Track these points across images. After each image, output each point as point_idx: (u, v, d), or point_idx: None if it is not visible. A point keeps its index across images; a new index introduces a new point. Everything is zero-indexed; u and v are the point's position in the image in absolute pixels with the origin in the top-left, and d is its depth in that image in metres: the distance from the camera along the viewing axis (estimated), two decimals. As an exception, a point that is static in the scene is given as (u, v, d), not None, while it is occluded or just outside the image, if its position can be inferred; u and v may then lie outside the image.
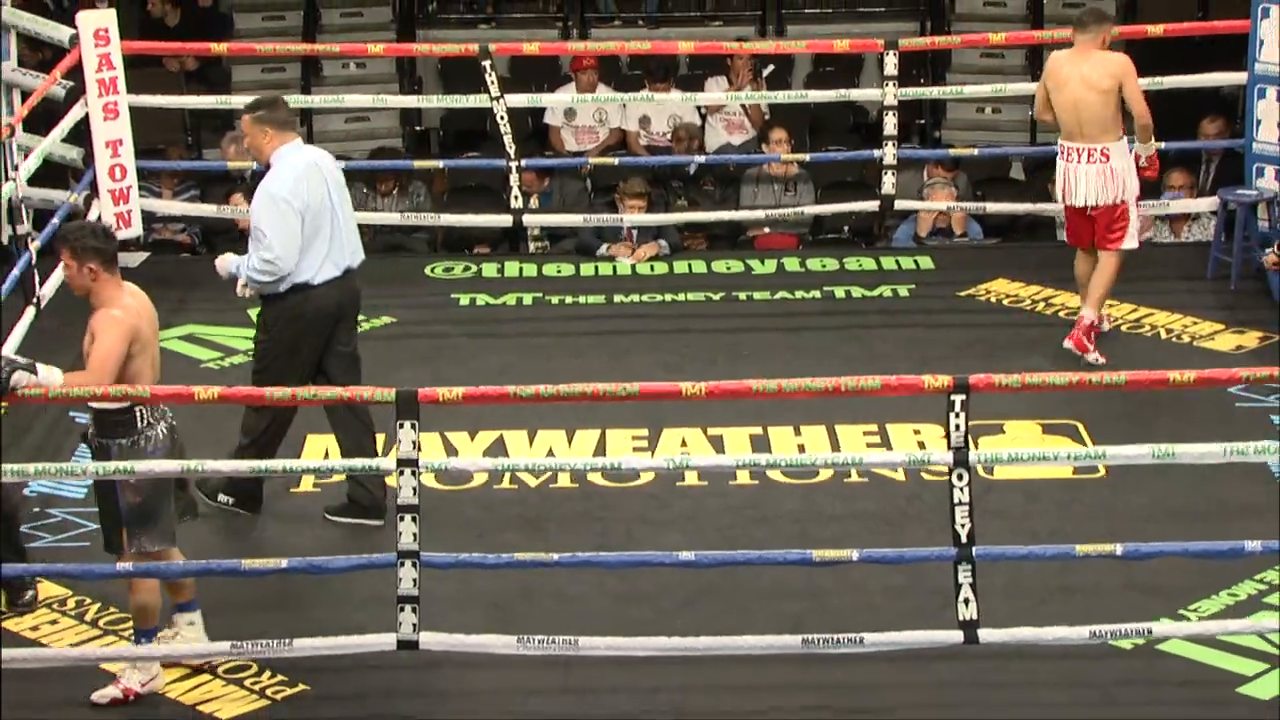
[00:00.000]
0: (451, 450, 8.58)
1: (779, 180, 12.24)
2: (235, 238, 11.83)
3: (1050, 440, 8.56)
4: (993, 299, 10.41)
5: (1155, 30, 10.65)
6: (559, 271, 11.04)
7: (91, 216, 10.28)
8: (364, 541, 7.39)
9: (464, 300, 10.63)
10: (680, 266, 11.07)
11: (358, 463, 7.46)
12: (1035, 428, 8.68)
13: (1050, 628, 6.93)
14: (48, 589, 7.60)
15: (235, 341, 9.89)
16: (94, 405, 6.85)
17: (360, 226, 11.55)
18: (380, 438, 8.06)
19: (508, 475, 8.38)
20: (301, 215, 7.97)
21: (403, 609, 6.78)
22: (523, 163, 10.90)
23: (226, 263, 8.23)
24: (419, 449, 6.75)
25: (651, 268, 11.05)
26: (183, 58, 13.41)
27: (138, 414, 6.83)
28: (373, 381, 7.18)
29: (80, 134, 10.40)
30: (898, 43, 10.86)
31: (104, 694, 6.88)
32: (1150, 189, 10.59)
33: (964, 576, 6.78)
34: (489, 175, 12.20)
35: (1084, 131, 9.33)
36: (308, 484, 8.38)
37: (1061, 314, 10.09)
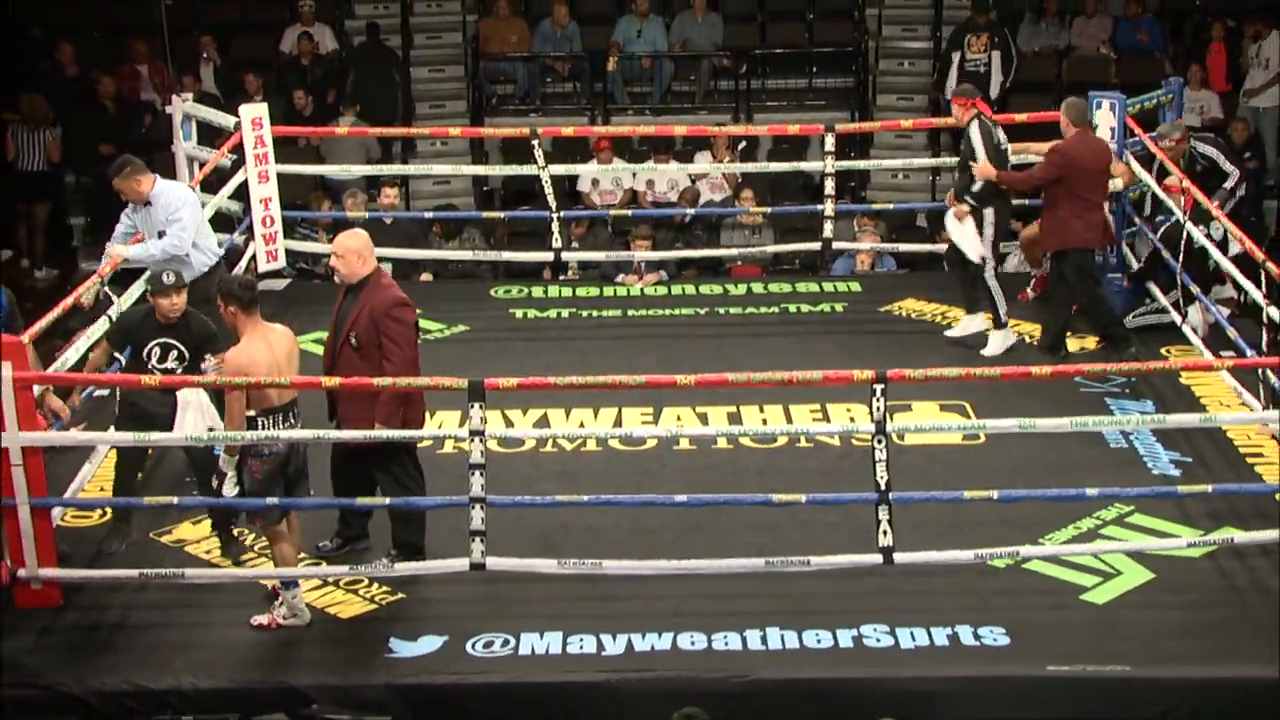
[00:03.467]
0: (509, 423, 8.58)
1: (748, 227, 12.23)
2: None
3: (945, 416, 8.55)
4: (905, 313, 10.38)
5: (1020, 117, 10.64)
6: (588, 293, 11.01)
7: (248, 254, 10.29)
8: (442, 490, 7.38)
9: (519, 314, 10.61)
10: (676, 289, 11.04)
11: (449, 433, 7.43)
12: (934, 406, 8.66)
13: (945, 551, 6.95)
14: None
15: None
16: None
17: (442, 261, 11.70)
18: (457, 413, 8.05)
19: (550, 441, 8.38)
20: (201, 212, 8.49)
21: (474, 539, 6.79)
22: (562, 214, 10.89)
23: (123, 250, 8.36)
24: (485, 422, 6.76)
25: (655, 290, 11.04)
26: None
27: (260, 423, 6.74)
28: (453, 374, 7.17)
29: (241, 193, 10.42)
30: (834, 127, 10.83)
31: (259, 619, 6.84)
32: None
33: (883, 514, 6.79)
34: (537, 223, 12.18)
35: None
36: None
37: (953, 324, 10.04)
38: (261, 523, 6.92)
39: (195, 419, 6.97)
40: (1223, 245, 9.10)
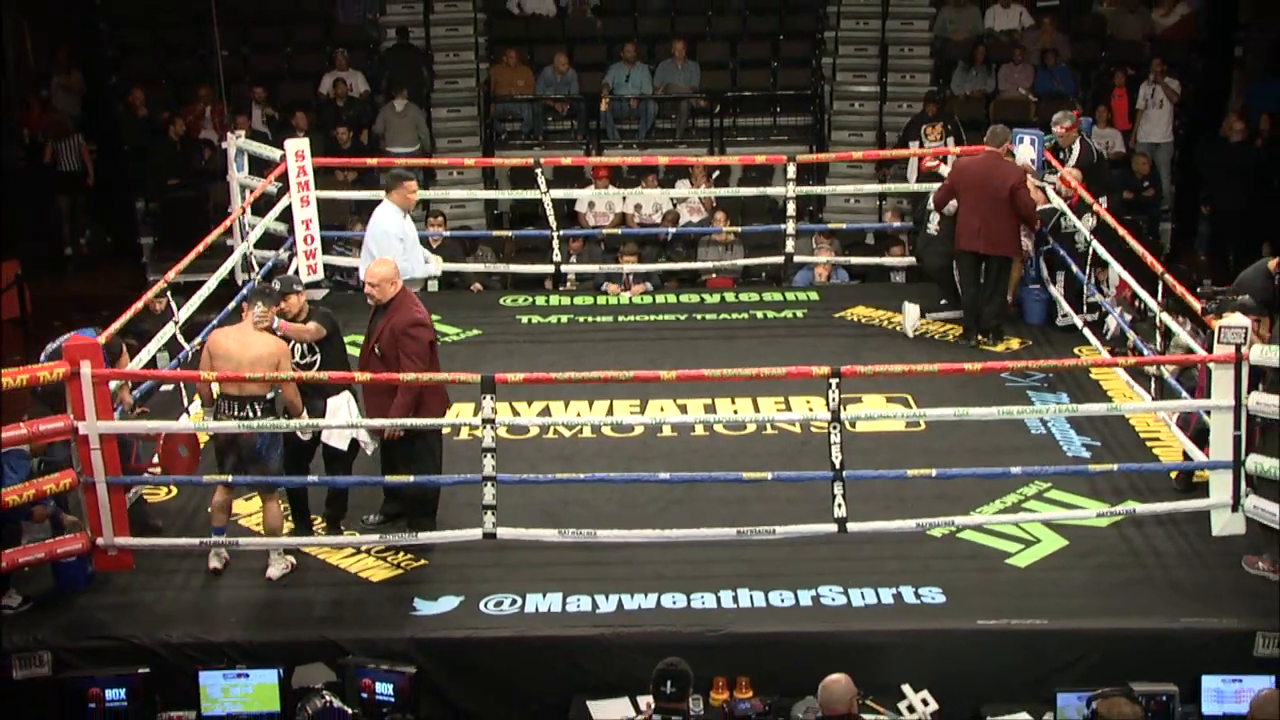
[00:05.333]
0: (516, 413, 8.56)
1: (722, 244, 12.20)
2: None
3: (891, 406, 8.54)
4: (856, 319, 10.37)
5: (955, 150, 10.59)
6: (584, 301, 10.99)
7: (292, 269, 10.25)
8: (458, 470, 7.36)
9: (525, 319, 10.59)
10: (660, 298, 11.02)
11: (464, 421, 7.41)
12: (881, 398, 8.66)
13: (890, 521, 6.95)
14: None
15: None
16: None
17: (461, 273, 11.65)
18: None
19: (551, 428, 8.37)
20: None
21: (486, 513, 6.78)
22: (561, 233, 10.87)
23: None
24: (495, 412, 6.75)
25: (642, 299, 11.01)
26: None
27: (217, 405, 6.82)
28: (468, 371, 7.15)
29: (286, 215, 10.38)
30: (796, 158, 10.83)
31: (272, 572, 6.91)
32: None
33: (837, 490, 6.79)
34: (540, 241, 12.14)
35: None
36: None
37: (897, 328, 10.06)
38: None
39: (347, 409, 7.15)
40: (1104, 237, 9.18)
